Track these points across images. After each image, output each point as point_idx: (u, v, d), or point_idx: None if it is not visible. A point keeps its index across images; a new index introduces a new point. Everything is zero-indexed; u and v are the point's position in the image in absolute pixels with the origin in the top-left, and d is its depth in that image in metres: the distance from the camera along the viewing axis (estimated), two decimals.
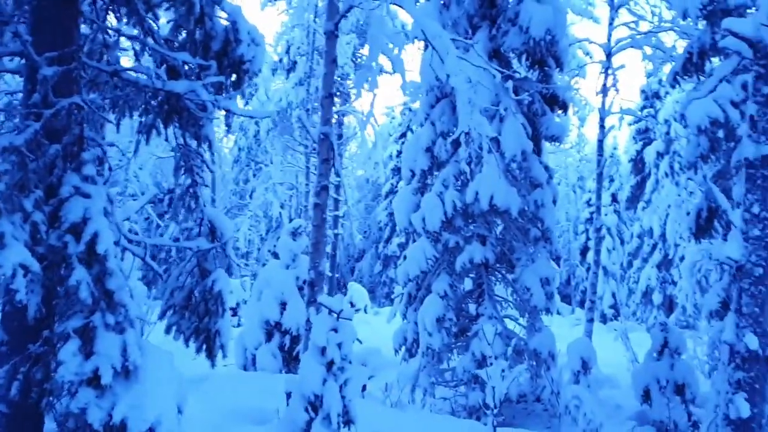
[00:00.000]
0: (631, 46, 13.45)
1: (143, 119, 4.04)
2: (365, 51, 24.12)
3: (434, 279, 10.82)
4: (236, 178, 33.40)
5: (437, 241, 10.79)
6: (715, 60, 8.88)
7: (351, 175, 37.97)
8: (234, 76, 4.26)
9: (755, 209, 4.66)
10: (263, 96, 28.67)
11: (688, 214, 18.94)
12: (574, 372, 9.60)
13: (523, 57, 11.49)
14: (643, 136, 28.87)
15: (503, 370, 6.72)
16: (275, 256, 25.04)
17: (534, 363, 10.88)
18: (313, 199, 8.93)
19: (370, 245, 39.71)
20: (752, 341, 4.63)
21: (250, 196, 31.43)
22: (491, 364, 6.92)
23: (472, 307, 11.38)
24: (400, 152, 37.31)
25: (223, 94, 4.27)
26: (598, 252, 14.26)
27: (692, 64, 9.02)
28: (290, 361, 12.21)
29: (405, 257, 11.58)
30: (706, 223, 8.89)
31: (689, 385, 10.16)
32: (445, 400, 11.00)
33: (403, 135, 37.19)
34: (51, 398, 3.32)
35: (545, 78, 11.66)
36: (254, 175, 31.43)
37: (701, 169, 7.89)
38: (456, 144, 11.10)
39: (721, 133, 8.55)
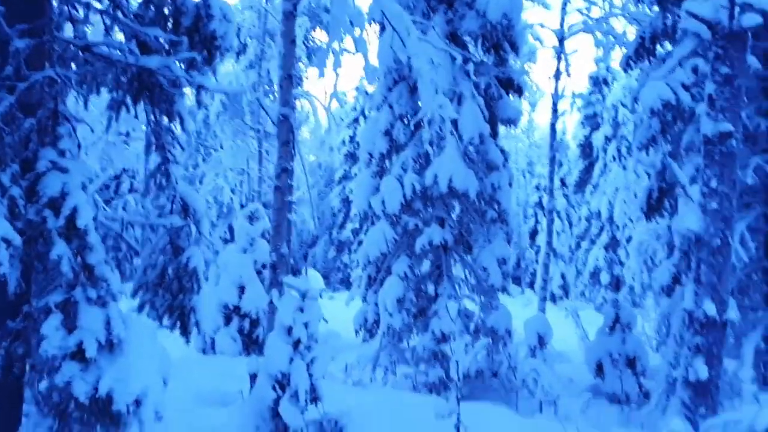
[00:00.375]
0: (583, 31, 13.76)
1: (114, 95, 3.96)
2: (317, 34, 24.00)
3: (394, 261, 10.93)
4: (185, 163, 32.82)
5: (397, 223, 10.88)
6: (668, 45, 9.20)
7: (303, 160, 37.67)
8: (205, 53, 4.22)
9: (713, 184, 4.90)
10: (212, 79, 28.21)
11: (635, 196, 19.58)
12: (531, 347, 9.89)
13: (480, 41, 11.64)
14: (591, 121, 29.61)
15: (466, 345, 6.89)
16: (226, 242, 24.84)
17: (491, 340, 11.12)
18: (274, 181, 8.89)
19: (324, 231, 39.65)
20: (710, 308, 4.87)
21: (200, 182, 30.96)
22: (455, 339, 7.09)
23: (430, 288, 11.53)
24: (352, 137, 37.29)
25: (194, 71, 4.22)
26: (550, 233, 14.60)
27: (644, 49, 9.30)
28: (250, 345, 12.19)
29: (364, 240, 11.66)
30: (657, 202, 9.23)
31: (640, 358, 10.59)
32: (406, 378, 11.16)
33: (356, 120, 37.15)
34: (34, 373, 3.29)
35: (501, 62, 11.85)
36: (204, 160, 30.94)
37: (661, 146, 8.18)
38: (415, 127, 11.20)
39: (669, 116, 8.86)
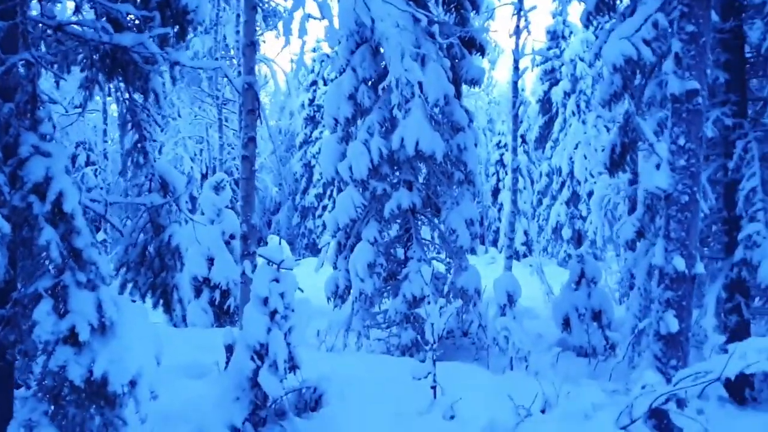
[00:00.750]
0: None
1: (88, 74, 3.83)
2: None
3: (364, 226, 10.95)
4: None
5: (365, 188, 10.87)
6: None
7: (262, 126, 37.11)
8: (177, 27, 4.09)
9: (681, 141, 5.01)
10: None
11: (596, 150, 19.83)
12: (501, 305, 10.08)
13: (440, 0, 11.58)
14: (550, 76, 29.70)
15: (441, 307, 7.00)
16: (190, 212, 24.48)
17: (460, 300, 11.28)
18: (241, 151, 8.79)
19: (286, 197, 39.38)
20: (680, 263, 5.02)
21: (159, 152, 30.35)
22: (429, 302, 7.19)
23: (400, 252, 11.63)
24: (311, 100, 36.87)
25: (167, 47, 4.09)
26: (515, 192, 14.71)
27: (604, 4, 9.35)
28: (221, 316, 12.16)
29: (334, 207, 11.65)
30: (620, 157, 9.38)
31: (605, 311, 10.90)
32: (379, 341, 11.32)
33: (314, 83, 36.69)
34: (26, 359, 3.27)
35: (462, 21, 11.82)
36: (162, 130, 30.30)
37: (624, 102, 8.29)
38: (380, 90, 11.14)
39: (631, 72, 8.97)
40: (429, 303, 6.90)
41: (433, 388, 7.25)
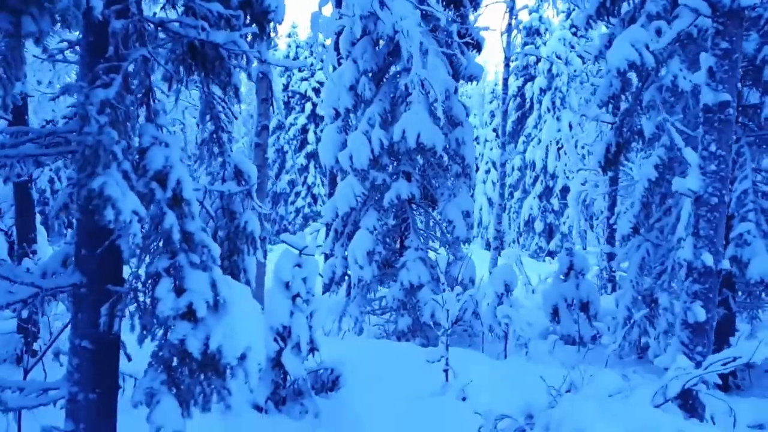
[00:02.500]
0: None
1: (172, 67, 4.00)
2: None
3: (363, 215, 11.20)
4: None
5: (365, 178, 11.10)
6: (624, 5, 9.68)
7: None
8: (256, 26, 4.29)
9: (712, 148, 5.42)
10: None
11: (576, 146, 20.39)
12: (498, 294, 10.44)
13: None
14: (524, 72, 30.25)
15: (458, 295, 7.32)
16: None
17: (451, 288, 11.65)
18: (253, 139, 8.97)
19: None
20: (708, 259, 5.44)
21: None
22: (444, 290, 7.53)
23: (397, 241, 11.92)
24: (286, 86, 36.83)
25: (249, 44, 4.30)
26: (503, 186, 15.15)
27: (605, 8, 9.76)
28: None
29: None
30: (615, 156, 9.82)
31: (592, 302, 11.38)
32: (374, 326, 11.63)
33: (287, 68, 36.64)
34: (145, 332, 3.49)
35: (461, 18, 12.12)
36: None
37: (630, 106, 8.68)
38: (379, 82, 11.39)
39: (634, 75, 9.41)
40: (444, 290, 7.23)
41: (446, 371, 7.60)
